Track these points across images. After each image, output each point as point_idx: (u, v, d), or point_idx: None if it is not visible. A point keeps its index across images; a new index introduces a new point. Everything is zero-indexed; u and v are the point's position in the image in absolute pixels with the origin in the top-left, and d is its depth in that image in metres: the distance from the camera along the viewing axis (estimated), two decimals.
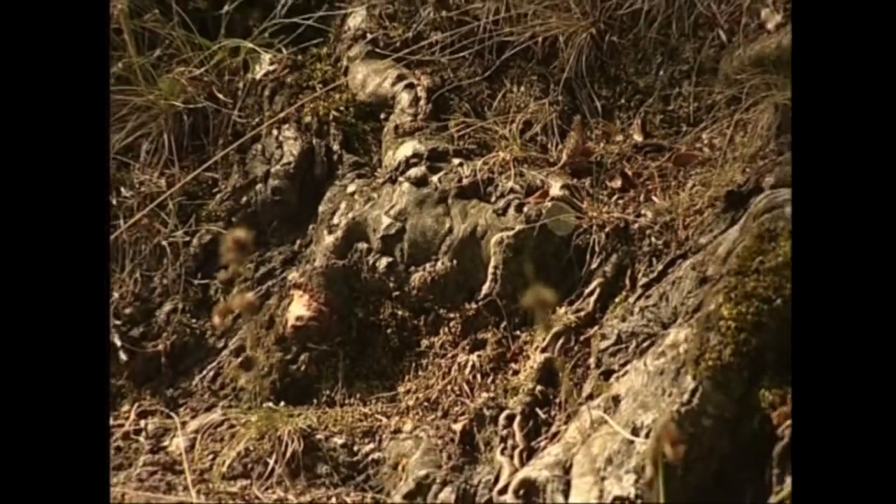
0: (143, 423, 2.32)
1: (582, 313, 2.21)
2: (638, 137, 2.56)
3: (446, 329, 2.34)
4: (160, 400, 2.41)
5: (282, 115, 2.69)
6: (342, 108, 2.70)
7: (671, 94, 2.62)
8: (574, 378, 2.11)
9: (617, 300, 2.20)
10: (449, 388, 2.27)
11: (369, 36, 2.81)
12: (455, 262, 2.36)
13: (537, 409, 2.09)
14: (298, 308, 2.39)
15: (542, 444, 2.00)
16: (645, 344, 1.99)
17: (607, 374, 2.01)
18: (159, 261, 2.58)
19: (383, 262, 2.41)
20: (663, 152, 2.50)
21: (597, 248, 2.28)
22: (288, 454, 2.13)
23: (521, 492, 1.81)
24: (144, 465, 2.17)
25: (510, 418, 2.07)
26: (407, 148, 2.53)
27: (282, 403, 2.30)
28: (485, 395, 2.19)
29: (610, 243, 2.27)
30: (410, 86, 2.66)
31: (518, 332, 2.29)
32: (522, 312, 2.28)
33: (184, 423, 2.29)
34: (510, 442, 2.03)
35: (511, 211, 2.34)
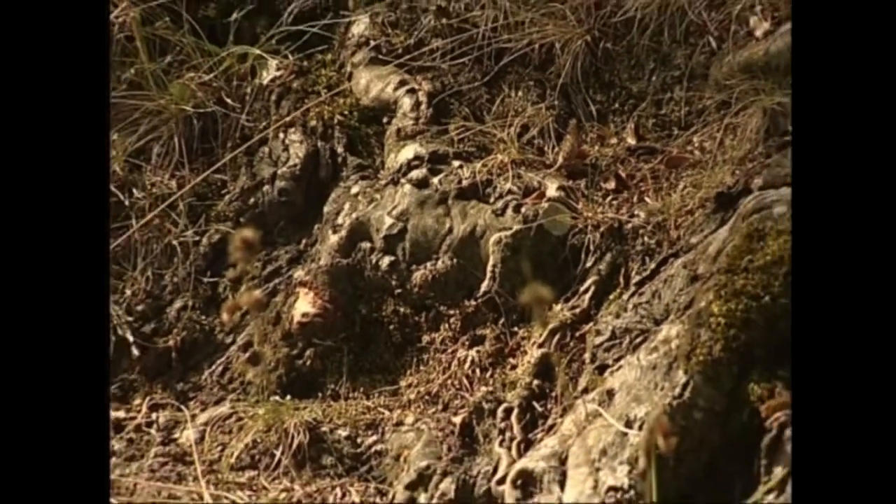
0: (154, 415, 2.32)
1: (577, 310, 2.21)
2: (631, 141, 2.56)
3: (446, 325, 2.34)
4: (171, 394, 2.41)
5: (288, 118, 2.69)
6: (346, 113, 2.70)
7: (663, 99, 2.62)
8: (570, 372, 2.11)
9: (611, 297, 2.20)
10: (449, 382, 2.26)
11: (372, 43, 2.80)
12: (455, 260, 2.36)
13: (534, 403, 2.09)
14: (304, 305, 2.38)
15: (539, 436, 2.00)
16: (638, 340, 1.99)
17: (602, 369, 2.00)
18: (170, 259, 2.58)
19: (386, 260, 2.41)
20: (656, 155, 2.49)
21: (592, 248, 2.28)
22: (294, 446, 2.13)
23: (519, 482, 1.81)
24: (156, 456, 2.16)
25: (508, 411, 2.07)
26: (409, 151, 2.52)
27: (288, 397, 2.29)
28: (483, 389, 2.19)
29: (604, 243, 2.27)
30: (412, 91, 2.66)
31: (516, 329, 2.29)
32: (520, 309, 2.28)
33: (194, 416, 2.28)
34: (508, 434, 2.03)
35: (509, 211, 2.34)
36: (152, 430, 2.27)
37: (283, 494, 2.05)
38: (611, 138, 2.59)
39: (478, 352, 2.28)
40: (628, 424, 1.76)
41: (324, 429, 2.17)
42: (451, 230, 2.38)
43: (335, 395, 2.33)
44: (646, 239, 2.24)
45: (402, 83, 2.69)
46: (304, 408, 2.22)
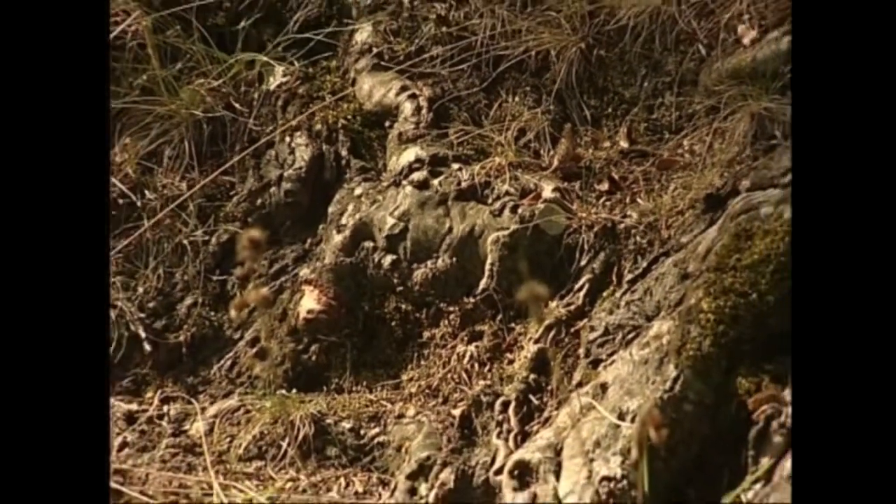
0: (165, 408, 2.32)
1: (572, 307, 2.21)
2: (624, 144, 2.55)
3: (446, 322, 2.34)
4: (181, 387, 2.41)
5: (294, 123, 2.68)
6: (350, 117, 2.70)
7: (655, 104, 2.61)
8: (565, 367, 2.11)
9: (604, 295, 2.20)
10: (449, 376, 2.26)
11: (375, 50, 2.80)
12: (454, 259, 2.36)
13: (531, 396, 2.08)
14: (309, 302, 2.38)
15: (535, 428, 2.00)
16: (630, 335, 1.98)
17: (596, 364, 2.00)
18: (181, 258, 2.58)
19: (388, 259, 2.41)
20: (647, 158, 2.49)
21: (586, 247, 2.27)
22: (300, 437, 2.13)
23: (516, 472, 1.81)
24: (167, 447, 2.16)
25: (505, 404, 2.07)
26: (410, 154, 2.52)
27: (294, 390, 2.29)
28: (482, 382, 2.19)
29: (598, 242, 2.27)
30: (413, 96, 2.66)
31: (513, 325, 2.29)
32: (517, 306, 2.28)
33: (203, 409, 2.28)
34: (505, 426, 2.03)
35: (506, 212, 2.34)
36: (163, 422, 2.27)
37: (289, 484, 2.05)
38: (604, 142, 2.58)
39: (476, 347, 2.27)
40: (621, 417, 1.76)
41: (328, 421, 2.17)
42: (450, 230, 2.38)
43: (339, 389, 2.32)
44: (638, 238, 2.24)
45: (403, 89, 2.68)
46: (310, 401, 2.22)
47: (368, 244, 2.44)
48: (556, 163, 2.49)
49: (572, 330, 2.17)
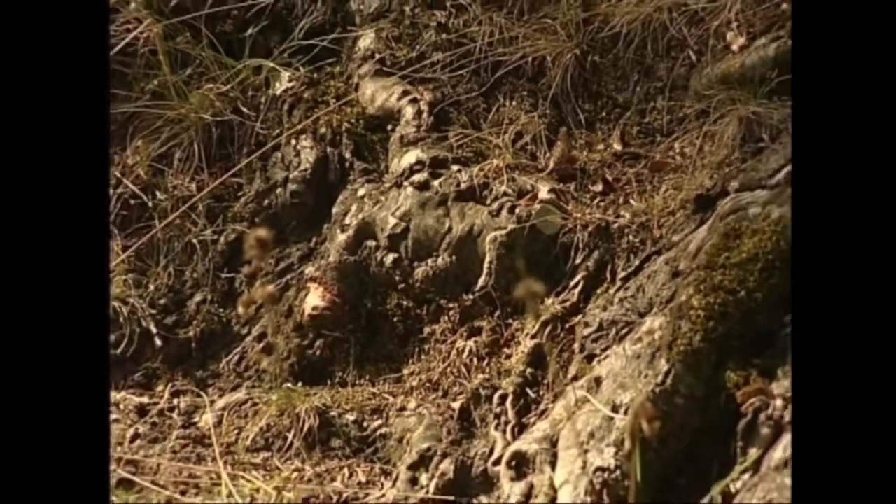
0: (175, 401, 2.32)
1: (567, 304, 2.21)
2: (617, 146, 2.55)
3: (446, 318, 2.34)
4: (191, 381, 2.41)
5: (299, 126, 2.68)
6: (353, 121, 2.70)
7: (647, 108, 2.61)
8: (560, 361, 2.11)
9: (599, 292, 2.20)
10: (448, 370, 2.26)
11: (377, 56, 2.80)
12: (454, 257, 2.36)
13: (527, 389, 2.08)
14: (314, 299, 2.38)
15: (532, 420, 2.00)
16: (624, 331, 1.98)
17: (590, 358, 2.00)
18: (190, 257, 2.58)
19: (390, 257, 2.40)
20: (640, 160, 2.49)
21: (580, 246, 2.27)
22: (305, 429, 2.13)
23: (513, 463, 1.81)
24: (177, 438, 2.16)
25: (503, 397, 2.07)
26: (411, 156, 2.52)
27: (299, 384, 2.29)
28: (480, 376, 2.18)
29: (592, 241, 2.27)
30: (414, 100, 2.65)
31: (510, 321, 2.29)
32: (514, 303, 2.27)
33: (212, 402, 2.28)
34: (503, 418, 2.03)
35: (504, 212, 2.33)
36: (174, 415, 2.27)
37: (295, 474, 2.05)
38: (598, 144, 2.58)
39: (475, 342, 2.27)
40: (615, 409, 1.75)
41: (332, 413, 2.17)
42: (450, 229, 2.38)
43: (343, 383, 2.32)
44: (631, 238, 2.24)
45: (405, 93, 2.68)
46: (315, 394, 2.22)
47: (371, 243, 2.43)
48: (551, 165, 2.49)
49: (567, 326, 2.17)
